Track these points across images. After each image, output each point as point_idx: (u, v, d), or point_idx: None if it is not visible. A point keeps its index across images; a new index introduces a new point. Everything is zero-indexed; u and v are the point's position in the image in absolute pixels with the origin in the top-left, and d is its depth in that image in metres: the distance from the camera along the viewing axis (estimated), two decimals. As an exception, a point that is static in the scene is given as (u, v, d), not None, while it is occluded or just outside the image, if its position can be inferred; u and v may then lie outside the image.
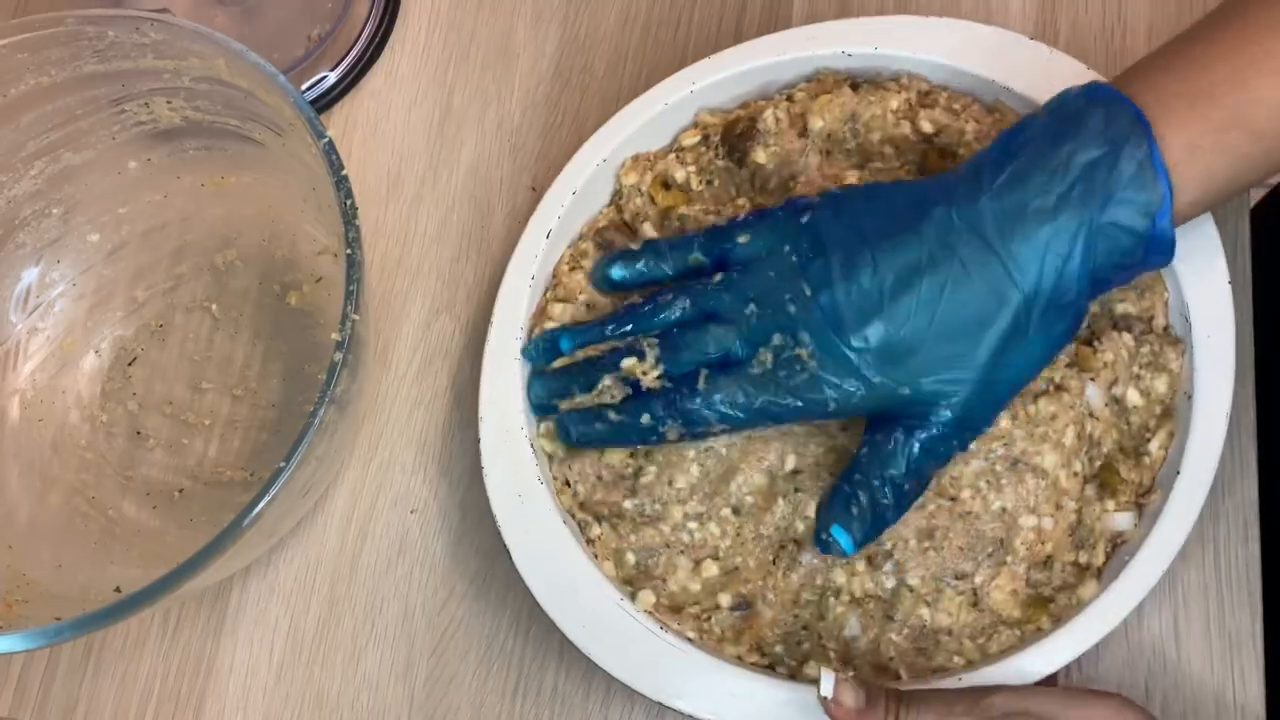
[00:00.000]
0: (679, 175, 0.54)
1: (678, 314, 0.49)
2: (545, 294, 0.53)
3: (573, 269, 0.53)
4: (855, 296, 0.45)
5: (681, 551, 0.49)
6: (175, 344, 0.57)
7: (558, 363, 0.51)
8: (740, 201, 0.53)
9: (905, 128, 0.52)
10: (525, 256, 0.52)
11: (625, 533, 0.49)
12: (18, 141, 0.52)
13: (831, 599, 0.48)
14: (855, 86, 0.53)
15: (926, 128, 0.52)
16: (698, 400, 0.47)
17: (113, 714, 0.53)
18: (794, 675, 0.47)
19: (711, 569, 0.49)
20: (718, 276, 0.49)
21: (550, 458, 0.51)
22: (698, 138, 0.54)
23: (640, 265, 0.51)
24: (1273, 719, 0.49)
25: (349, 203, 0.45)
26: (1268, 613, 0.50)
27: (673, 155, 0.54)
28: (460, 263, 0.58)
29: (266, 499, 0.42)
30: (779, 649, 0.48)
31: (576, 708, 0.51)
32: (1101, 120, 0.43)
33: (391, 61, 0.61)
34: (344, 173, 0.45)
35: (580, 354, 0.51)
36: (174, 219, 0.58)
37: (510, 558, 0.48)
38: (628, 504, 0.49)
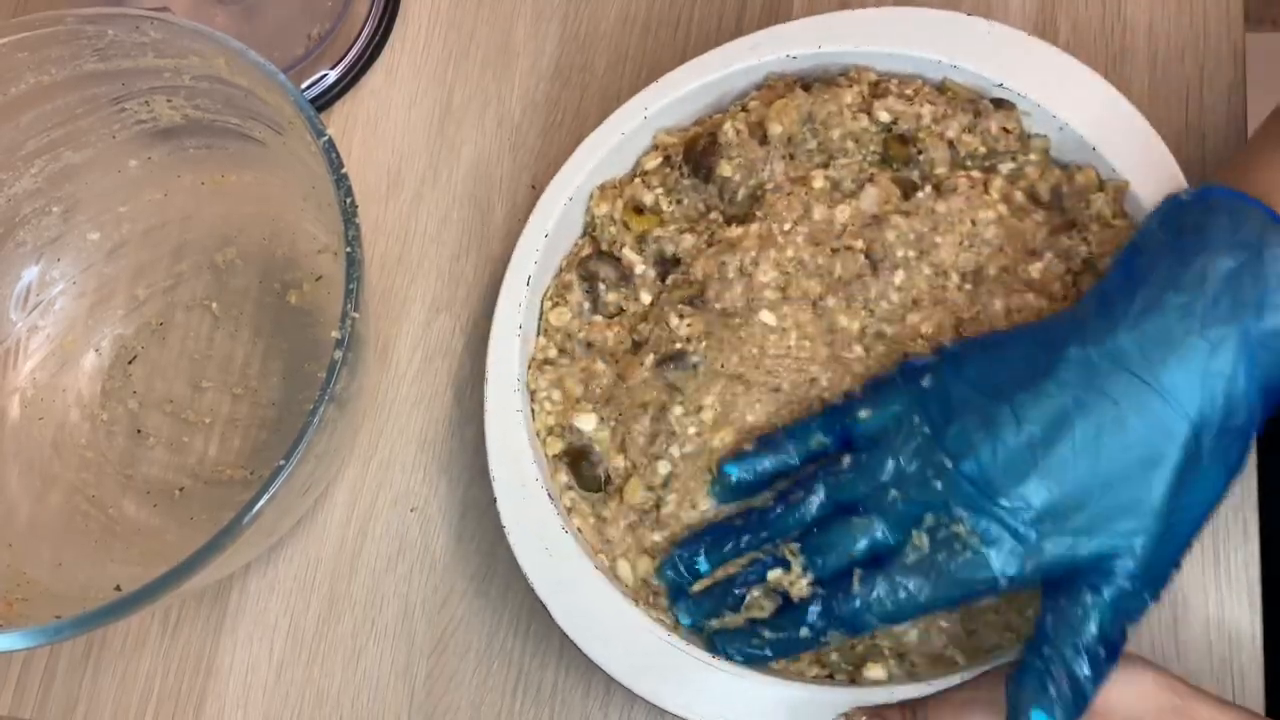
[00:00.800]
0: (648, 199, 0.54)
1: (814, 510, 0.46)
2: (536, 339, 0.53)
3: (555, 305, 0.53)
4: (1003, 457, 0.42)
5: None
6: (175, 342, 0.57)
7: (699, 585, 0.48)
8: (713, 216, 0.53)
9: (863, 120, 0.52)
10: (509, 306, 0.52)
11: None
12: (18, 140, 0.52)
13: None
14: (807, 87, 0.54)
15: (884, 117, 0.52)
16: (856, 603, 0.44)
17: (113, 713, 0.53)
18: (854, 680, 0.47)
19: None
20: (846, 460, 0.46)
21: (570, 510, 0.50)
22: (659, 159, 0.54)
23: (760, 463, 0.47)
24: (1273, 718, 0.49)
25: (349, 201, 0.45)
26: (1267, 613, 0.50)
27: (638, 180, 0.54)
28: (460, 261, 0.58)
29: (266, 497, 0.42)
30: (834, 657, 0.47)
31: (576, 706, 0.51)
32: (1228, 224, 0.41)
33: (391, 60, 0.61)
34: (344, 171, 0.45)
35: (720, 573, 0.47)
36: (174, 217, 0.58)
37: (536, 596, 0.48)
38: (656, 536, 0.49)
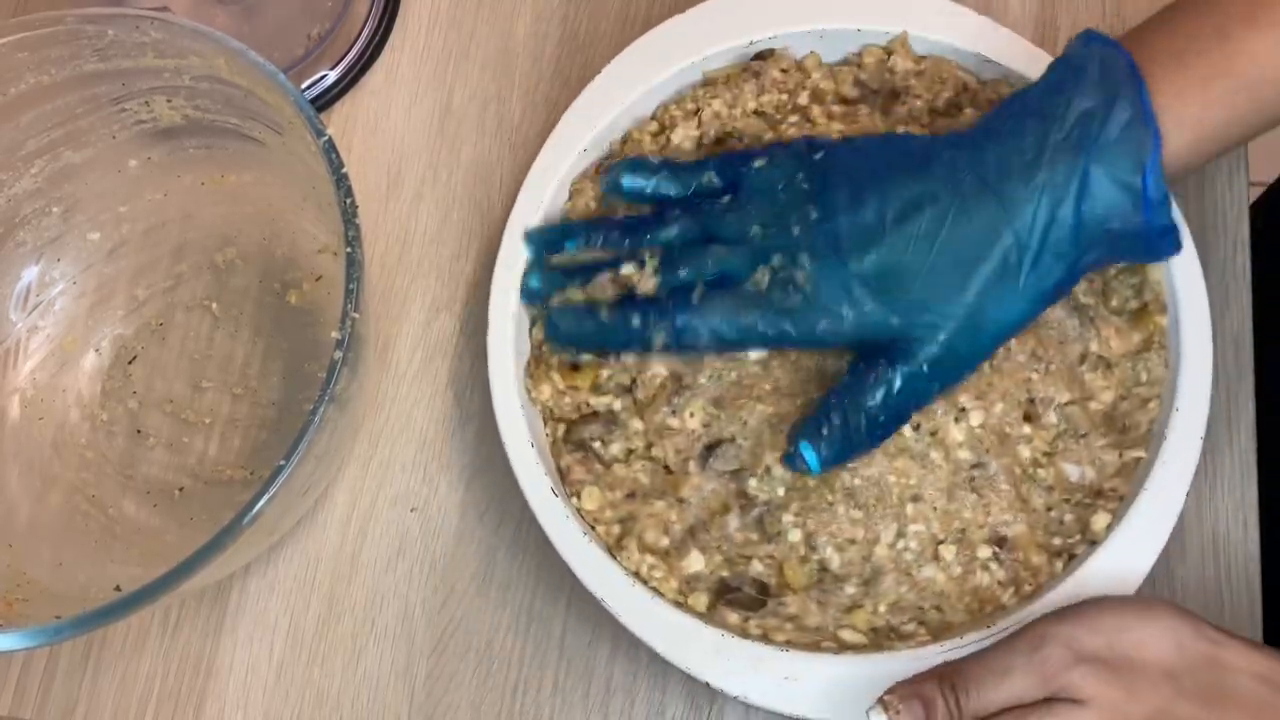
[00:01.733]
0: None
1: (685, 232, 0.50)
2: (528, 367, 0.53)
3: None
4: (859, 225, 0.46)
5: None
6: (175, 342, 0.57)
7: (556, 258, 0.52)
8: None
9: (752, 120, 0.54)
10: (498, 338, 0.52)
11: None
12: (18, 140, 0.52)
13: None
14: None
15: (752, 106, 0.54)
16: (689, 312, 0.48)
17: (113, 713, 0.53)
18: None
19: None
20: (726, 199, 0.50)
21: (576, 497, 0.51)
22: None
23: (654, 179, 0.52)
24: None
25: (349, 201, 0.45)
26: (1267, 613, 0.50)
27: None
28: (460, 261, 0.58)
29: (266, 497, 0.42)
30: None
31: (576, 706, 0.51)
32: (1098, 70, 0.44)
33: (391, 60, 0.61)
34: (344, 171, 0.45)
35: (582, 255, 0.51)
36: (174, 217, 0.58)
37: (551, 550, 0.49)
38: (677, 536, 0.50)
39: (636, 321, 0.49)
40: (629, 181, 0.52)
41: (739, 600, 0.48)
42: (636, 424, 0.50)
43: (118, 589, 0.47)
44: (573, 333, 0.50)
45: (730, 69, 0.55)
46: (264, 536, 0.49)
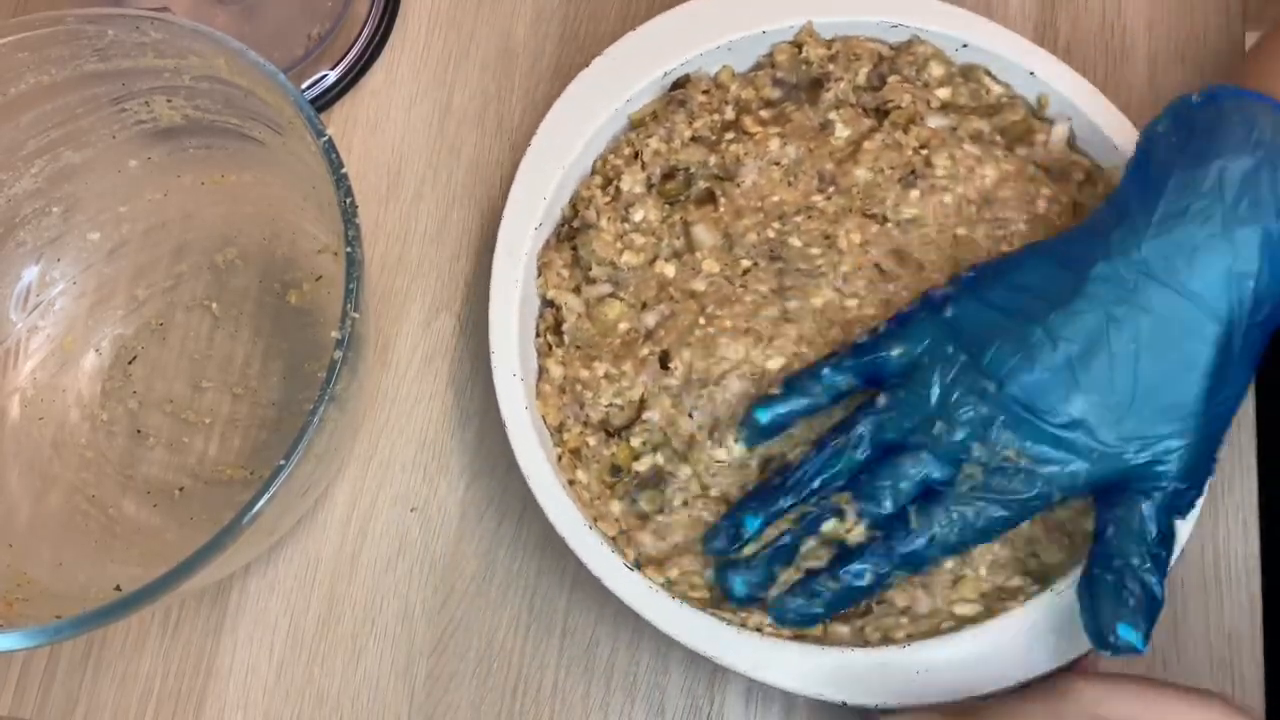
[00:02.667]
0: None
1: (860, 455, 0.45)
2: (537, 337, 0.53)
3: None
4: (1045, 376, 0.43)
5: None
6: (175, 342, 0.57)
7: (748, 550, 0.47)
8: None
9: (692, 149, 0.54)
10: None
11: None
12: (18, 140, 0.52)
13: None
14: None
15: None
16: (917, 541, 0.44)
17: (113, 713, 0.53)
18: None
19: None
20: (883, 399, 0.46)
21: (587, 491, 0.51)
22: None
23: (788, 406, 0.47)
24: (1272, 719, 0.49)
25: (349, 201, 0.45)
26: (1268, 613, 0.50)
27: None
28: (460, 261, 0.58)
29: (266, 497, 0.42)
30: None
31: (576, 706, 0.51)
32: (1240, 124, 0.42)
33: (391, 60, 0.61)
34: (344, 171, 0.45)
35: (769, 534, 0.47)
36: (174, 217, 0.58)
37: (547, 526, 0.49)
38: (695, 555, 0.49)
39: (868, 578, 0.45)
40: (765, 415, 0.47)
41: (846, 613, 0.47)
42: (685, 470, 0.49)
43: (118, 589, 0.47)
44: (807, 616, 0.46)
45: (655, 104, 0.55)
46: (264, 536, 0.49)
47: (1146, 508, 0.43)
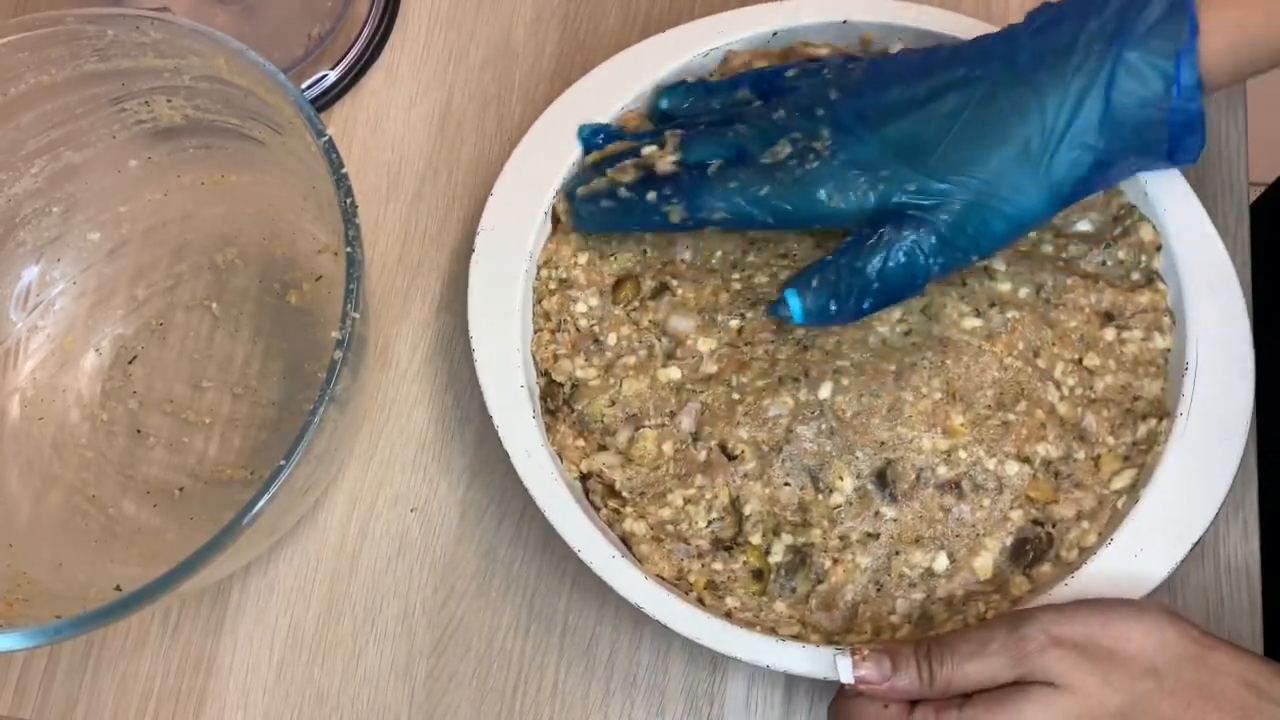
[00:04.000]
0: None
1: (709, 123, 0.51)
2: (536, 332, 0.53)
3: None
4: (884, 102, 0.47)
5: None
6: (175, 342, 0.57)
7: (591, 156, 0.53)
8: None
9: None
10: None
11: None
12: (18, 140, 0.52)
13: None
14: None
15: None
16: (704, 184, 0.48)
17: (113, 713, 0.53)
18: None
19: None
20: (758, 104, 0.51)
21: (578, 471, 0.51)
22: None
23: (690, 97, 0.53)
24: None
25: (349, 201, 0.45)
26: (1267, 613, 0.50)
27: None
28: (461, 261, 0.58)
29: (266, 497, 0.42)
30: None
31: (576, 706, 0.51)
32: None
33: (391, 60, 0.61)
34: (344, 171, 0.45)
35: (612, 148, 0.53)
36: (174, 217, 0.58)
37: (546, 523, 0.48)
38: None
39: (653, 195, 0.49)
40: (666, 102, 0.53)
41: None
42: (815, 533, 0.48)
43: (118, 589, 0.47)
44: (594, 215, 0.51)
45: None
46: (264, 536, 0.49)
47: (887, 233, 0.46)
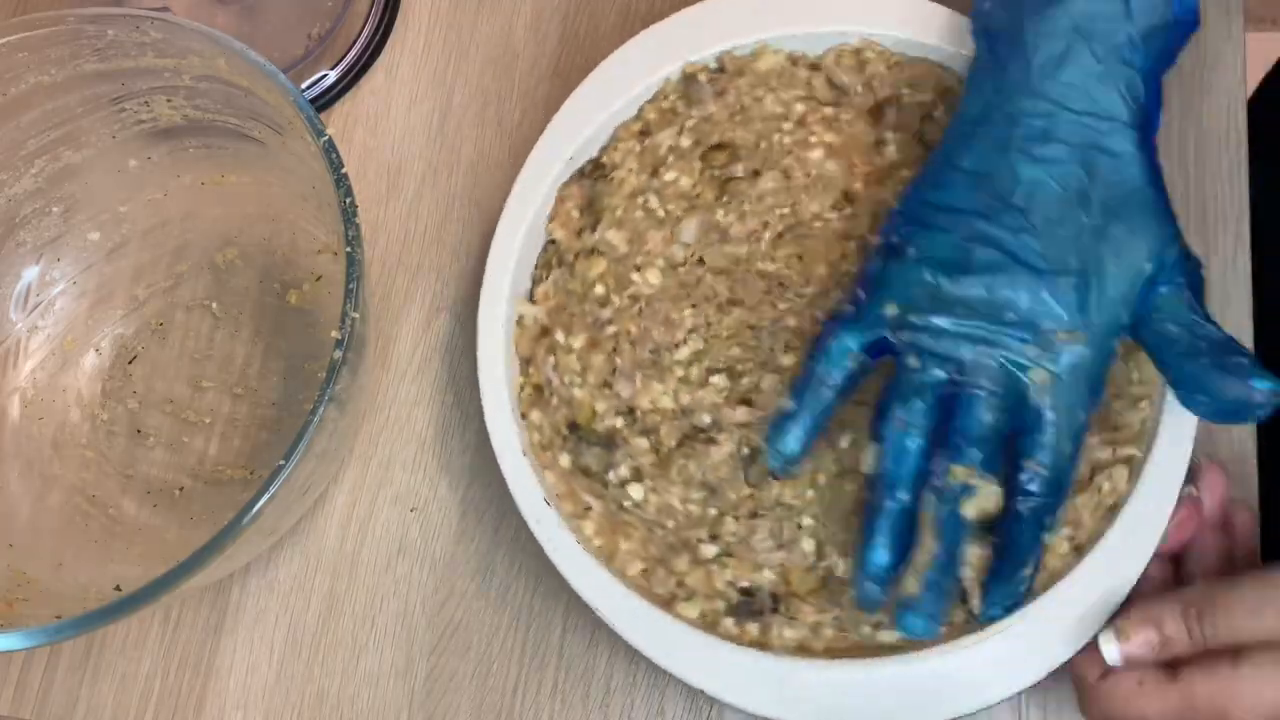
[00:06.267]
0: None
1: (924, 422, 0.45)
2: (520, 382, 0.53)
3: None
4: (1022, 272, 0.44)
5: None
6: (175, 342, 0.57)
7: (909, 586, 0.44)
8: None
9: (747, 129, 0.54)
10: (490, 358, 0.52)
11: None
12: (18, 140, 0.52)
13: None
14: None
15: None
16: (1047, 471, 0.44)
17: (113, 713, 0.53)
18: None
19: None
20: (910, 360, 0.45)
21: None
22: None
23: (808, 414, 0.46)
24: None
25: (349, 201, 0.45)
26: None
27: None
28: (460, 261, 0.58)
29: (266, 497, 0.42)
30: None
31: (576, 706, 0.51)
32: None
33: (391, 60, 0.61)
34: (344, 171, 0.45)
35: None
36: (174, 217, 0.58)
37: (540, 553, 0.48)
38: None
39: (1039, 529, 0.44)
40: (790, 443, 0.46)
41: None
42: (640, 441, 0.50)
43: (118, 589, 0.47)
44: (1016, 601, 0.44)
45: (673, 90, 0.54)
46: (264, 536, 0.49)
47: (1181, 294, 0.44)
